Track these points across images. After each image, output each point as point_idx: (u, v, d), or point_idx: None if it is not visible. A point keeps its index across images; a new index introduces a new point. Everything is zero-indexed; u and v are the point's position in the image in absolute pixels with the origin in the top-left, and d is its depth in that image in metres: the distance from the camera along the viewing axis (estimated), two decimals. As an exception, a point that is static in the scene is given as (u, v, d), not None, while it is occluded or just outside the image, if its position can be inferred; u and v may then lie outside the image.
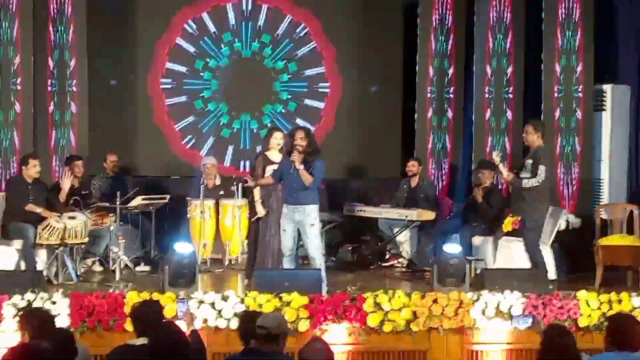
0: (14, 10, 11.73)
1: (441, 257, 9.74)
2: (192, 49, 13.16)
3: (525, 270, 9.96)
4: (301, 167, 9.43)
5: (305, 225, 9.57)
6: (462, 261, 9.70)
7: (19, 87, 11.75)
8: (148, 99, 13.08)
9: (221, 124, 13.18)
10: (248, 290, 9.27)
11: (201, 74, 13.16)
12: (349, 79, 13.40)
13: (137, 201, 11.18)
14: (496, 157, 10.13)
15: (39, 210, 10.32)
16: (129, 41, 12.99)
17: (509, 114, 12.33)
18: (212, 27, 13.15)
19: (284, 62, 13.28)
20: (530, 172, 9.85)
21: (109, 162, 11.91)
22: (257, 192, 10.15)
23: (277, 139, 10.14)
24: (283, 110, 13.29)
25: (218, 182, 11.91)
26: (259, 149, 11.50)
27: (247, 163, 12.72)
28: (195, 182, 11.70)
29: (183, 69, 13.14)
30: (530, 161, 9.92)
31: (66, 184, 10.68)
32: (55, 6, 12.02)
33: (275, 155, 10.12)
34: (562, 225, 10.88)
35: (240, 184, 10.96)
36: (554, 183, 11.35)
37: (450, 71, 12.73)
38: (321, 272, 9.51)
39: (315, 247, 9.65)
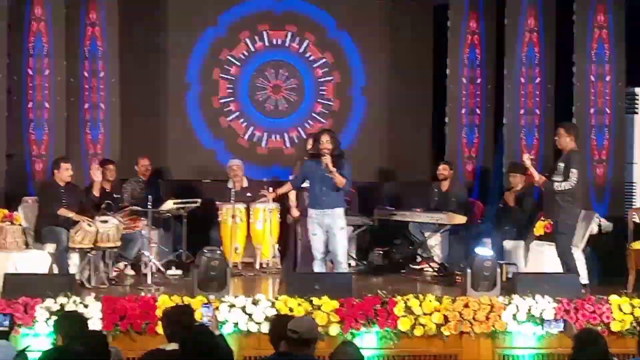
0: (46, 17, 11.82)
1: (473, 261, 9.71)
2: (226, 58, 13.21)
3: (557, 274, 9.90)
4: (334, 170, 9.43)
5: (334, 229, 9.59)
6: (494, 265, 9.67)
7: (51, 92, 11.83)
8: (180, 103, 13.10)
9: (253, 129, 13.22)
10: (279, 293, 9.29)
11: (232, 78, 13.18)
12: (379, 82, 13.37)
13: (169, 205, 11.22)
14: (527, 160, 10.08)
15: (71, 214, 10.39)
16: (161, 46, 13.03)
17: (541, 117, 12.29)
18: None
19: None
20: (563, 175, 9.78)
21: (141, 166, 11.97)
22: (292, 195, 10.18)
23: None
24: (314, 114, 13.29)
25: (245, 184, 11.94)
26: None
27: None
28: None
29: (216, 74, 13.17)
30: (562, 164, 9.84)
31: (97, 175, 10.70)
32: (88, 14, 12.12)
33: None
34: (594, 229, 10.81)
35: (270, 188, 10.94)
36: (586, 186, 11.28)
37: (482, 75, 12.69)
38: (351, 276, 9.53)
39: (344, 250, 9.69)
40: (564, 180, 9.74)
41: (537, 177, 9.97)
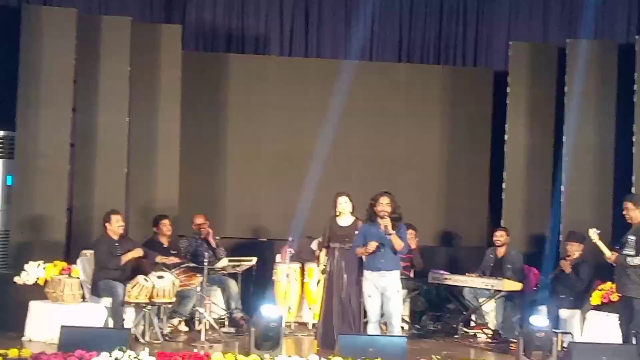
0: (111, 75, 12.09)
1: (528, 329, 9.62)
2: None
3: (615, 345, 9.74)
4: (393, 232, 9.44)
5: (391, 291, 9.57)
6: (549, 334, 9.56)
7: (114, 148, 12.05)
8: (238, 161, 13.21)
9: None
10: (332, 354, 9.25)
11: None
12: (437, 146, 13.41)
13: (224, 262, 11.28)
14: (594, 234, 9.90)
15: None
16: (220, 104, 13.18)
17: (599, 185, 12.23)
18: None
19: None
20: (635, 249, 9.57)
21: (197, 224, 11.96)
22: (322, 256, 10.20)
23: (342, 203, 10.13)
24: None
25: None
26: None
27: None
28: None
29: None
30: (633, 237, 9.59)
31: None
32: (151, 72, 12.37)
33: (343, 220, 10.14)
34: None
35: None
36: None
37: (540, 140, 12.69)
38: (405, 340, 9.48)
39: (398, 313, 9.67)
40: (637, 254, 9.56)
41: (608, 253, 9.77)
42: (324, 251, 10.24)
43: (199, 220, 11.96)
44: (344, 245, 10.09)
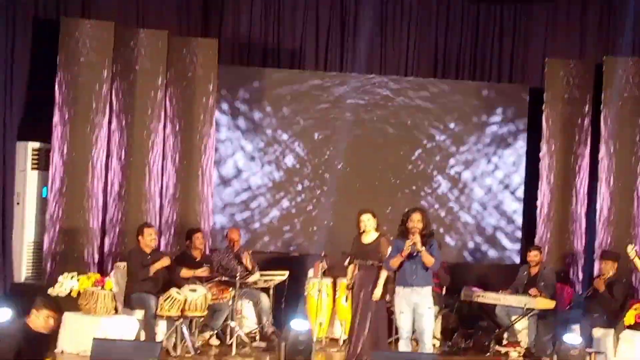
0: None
1: (561, 348, 9.54)
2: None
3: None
4: (423, 248, 9.42)
5: (422, 308, 9.53)
6: (582, 353, 9.48)
7: (151, 164, 12.15)
8: (272, 174, 13.23)
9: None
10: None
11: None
12: (471, 161, 13.38)
13: (256, 277, 11.31)
14: (631, 251, 9.86)
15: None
16: (255, 117, 13.22)
17: (634, 204, 12.14)
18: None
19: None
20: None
21: (229, 239, 11.98)
22: (350, 270, 10.18)
23: (364, 221, 10.08)
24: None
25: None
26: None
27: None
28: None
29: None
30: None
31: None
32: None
33: (367, 236, 10.13)
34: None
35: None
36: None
37: (575, 158, 12.61)
38: (436, 356, 9.43)
39: (430, 330, 9.63)
40: None
41: None
42: (351, 267, 10.22)
43: (234, 235, 11.93)
44: (364, 262, 10.07)
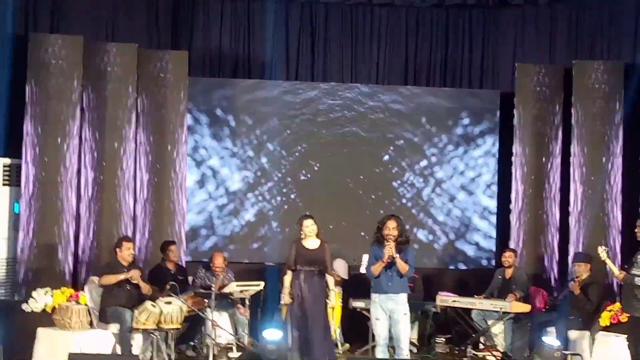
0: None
1: (541, 350, 9.56)
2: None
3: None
4: (398, 255, 9.43)
5: (397, 314, 9.54)
6: (562, 355, 9.51)
7: (124, 175, 12.10)
8: (245, 185, 13.23)
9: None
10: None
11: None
12: (446, 166, 13.42)
13: (232, 288, 11.28)
14: (602, 253, 9.89)
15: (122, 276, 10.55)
16: (227, 129, 13.22)
17: (607, 206, 12.19)
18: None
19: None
20: (643, 268, 9.55)
21: (214, 265, 11.77)
22: (287, 280, 10.14)
23: (309, 226, 10.08)
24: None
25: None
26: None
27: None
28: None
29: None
30: (642, 257, 9.62)
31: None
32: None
33: (309, 242, 10.12)
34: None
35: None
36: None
37: (547, 161, 12.66)
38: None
39: (406, 336, 9.63)
40: None
41: (616, 271, 9.80)
42: (289, 274, 10.19)
43: (218, 261, 11.82)
44: (310, 268, 10.06)
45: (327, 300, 10.09)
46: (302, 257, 10.03)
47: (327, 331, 10.06)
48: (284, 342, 9.70)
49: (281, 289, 10.42)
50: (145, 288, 10.63)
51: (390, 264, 9.49)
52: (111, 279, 10.52)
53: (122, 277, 10.52)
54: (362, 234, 12.38)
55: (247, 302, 11.49)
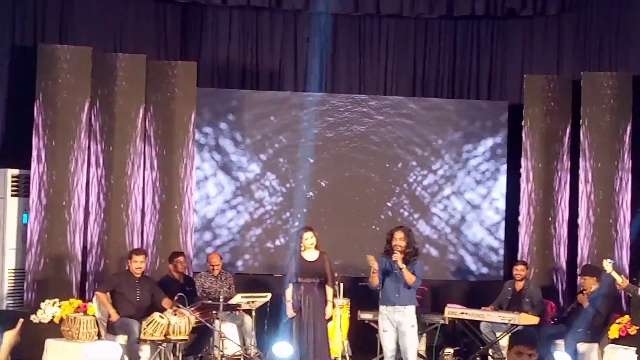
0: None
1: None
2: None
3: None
4: (404, 266, 9.41)
5: (405, 326, 9.52)
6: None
7: (132, 185, 12.12)
8: (252, 196, 13.22)
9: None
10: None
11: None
12: (453, 178, 13.38)
13: (238, 299, 11.27)
14: (608, 265, 9.87)
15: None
16: (234, 140, 13.23)
17: (616, 218, 12.16)
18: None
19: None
20: (650, 281, 9.54)
21: (210, 264, 11.98)
22: (289, 293, 10.17)
23: (308, 238, 10.17)
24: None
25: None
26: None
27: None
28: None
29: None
30: (647, 269, 9.61)
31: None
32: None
33: (309, 254, 10.13)
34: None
35: (341, 283, 10.97)
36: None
37: (556, 173, 12.63)
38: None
39: (414, 348, 9.61)
40: None
41: (620, 281, 9.78)
42: (290, 287, 10.22)
43: (215, 260, 11.97)
44: (311, 280, 10.10)
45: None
46: (302, 269, 10.11)
47: (326, 342, 10.10)
48: (294, 356, 9.68)
49: (284, 302, 10.51)
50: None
51: (395, 274, 9.46)
52: (105, 303, 10.61)
53: (111, 312, 10.57)
54: (375, 248, 12.32)
55: (253, 313, 11.48)
